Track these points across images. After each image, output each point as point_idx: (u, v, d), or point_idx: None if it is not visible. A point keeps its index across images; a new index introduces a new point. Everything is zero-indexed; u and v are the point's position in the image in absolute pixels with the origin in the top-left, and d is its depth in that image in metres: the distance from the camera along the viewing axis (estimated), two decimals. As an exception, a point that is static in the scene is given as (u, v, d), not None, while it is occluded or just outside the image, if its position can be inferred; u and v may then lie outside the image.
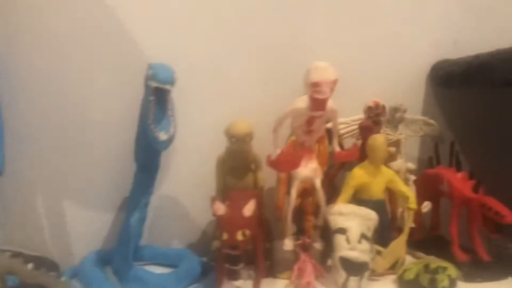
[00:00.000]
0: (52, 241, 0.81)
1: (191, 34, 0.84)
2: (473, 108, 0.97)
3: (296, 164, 0.65)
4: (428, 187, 0.80)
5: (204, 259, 0.74)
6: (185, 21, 0.84)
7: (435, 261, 0.68)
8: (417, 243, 0.80)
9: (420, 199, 0.83)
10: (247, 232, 0.53)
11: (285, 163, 0.65)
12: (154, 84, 0.57)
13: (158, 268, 0.75)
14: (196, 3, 0.84)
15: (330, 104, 0.67)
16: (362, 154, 0.75)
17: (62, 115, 0.80)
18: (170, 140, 0.59)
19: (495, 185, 0.79)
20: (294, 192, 0.70)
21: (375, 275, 0.69)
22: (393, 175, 0.75)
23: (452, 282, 0.64)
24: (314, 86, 0.62)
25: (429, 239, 0.81)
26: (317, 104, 0.63)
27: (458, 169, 0.77)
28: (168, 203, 0.85)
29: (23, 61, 0.79)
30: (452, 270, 0.66)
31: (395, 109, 0.89)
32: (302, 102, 0.66)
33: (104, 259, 0.73)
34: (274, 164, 0.65)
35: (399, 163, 0.87)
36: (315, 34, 0.92)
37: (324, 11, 0.93)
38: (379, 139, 0.72)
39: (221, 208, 0.54)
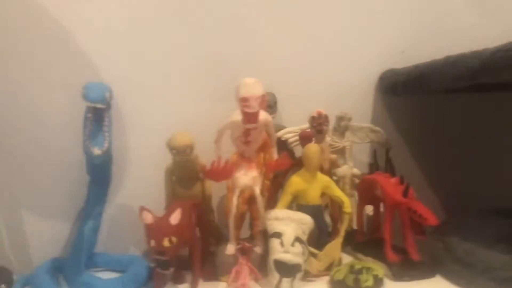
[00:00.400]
0: (11, 250, 0.85)
1: (140, 50, 0.88)
2: (416, 114, 1.02)
3: (227, 174, 0.70)
4: (367, 191, 0.85)
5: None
6: (134, 37, 0.88)
7: (361, 262, 0.73)
8: (359, 246, 0.85)
9: (362, 203, 0.88)
10: (174, 238, 0.57)
11: (217, 173, 0.69)
12: (86, 103, 0.61)
13: (112, 274, 0.79)
14: (144, 19, 0.89)
15: (263, 116, 0.72)
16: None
17: (19, 130, 0.85)
18: (104, 155, 0.64)
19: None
20: (235, 199, 0.74)
21: (310, 276, 0.74)
22: (329, 181, 0.79)
23: (378, 281, 0.69)
24: (243, 101, 0.66)
25: (369, 242, 0.85)
26: (248, 117, 0.67)
27: (392, 174, 0.82)
28: (123, 212, 0.89)
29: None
30: (379, 270, 0.70)
31: (340, 118, 0.94)
32: (238, 115, 0.70)
33: (58, 266, 0.77)
34: (208, 174, 0.69)
35: (344, 169, 0.93)
36: (263, 46, 0.97)
37: (272, 22, 0.98)
38: (312, 148, 0.76)
39: (148, 217, 0.59)
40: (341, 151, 0.94)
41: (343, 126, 0.94)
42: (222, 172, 0.69)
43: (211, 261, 0.77)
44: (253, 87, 0.66)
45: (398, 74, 0.98)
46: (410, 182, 0.78)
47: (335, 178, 0.91)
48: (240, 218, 0.81)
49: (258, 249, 0.75)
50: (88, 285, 0.70)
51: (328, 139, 0.93)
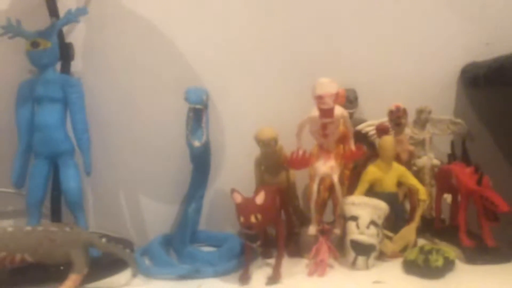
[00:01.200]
0: (132, 227, 1.03)
1: (233, 56, 1.01)
2: (498, 107, 1.03)
3: (305, 163, 0.79)
4: (444, 181, 0.89)
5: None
6: (228, 44, 1.01)
7: (432, 244, 0.78)
8: (437, 232, 0.90)
9: (440, 192, 0.92)
10: (259, 216, 0.68)
11: (296, 162, 0.79)
12: (188, 104, 0.75)
13: (211, 248, 0.93)
14: (237, 27, 1.02)
15: (339, 111, 0.80)
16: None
17: (137, 128, 1.02)
18: (203, 146, 0.76)
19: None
20: (315, 186, 0.83)
21: (385, 257, 0.81)
22: (404, 170, 0.85)
23: (449, 262, 0.74)
24: (319, 98, 0.75)
25: (448, 229, 0.89)
26: (324, 113, 0.76)
27: (468, 164, 0.85)
28: (221, 196, 1.02)
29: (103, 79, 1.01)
30: (451, 252, 0.75)
31: (420, 111, 0.99)
32: (316, 111, 0.79)
33: (168, 241, 0.92)
34: (288, 163, 0.80)
35: (424, 159, 0.97)
36: (345, 44, 1.05)
37: (354, 17, 1.05)
38: (387, 140, 0.83)
39: (238, 197, 0.70)
40: (421, 143, 0.99)
41: (423, 119, 0.99)
42: (301, 162, 0.79)
43: (295, 240, 0.87)
44: (327, 86, 0.75)
45: (479, 67, 1.00)
46: (492, 172, 0.82)
47: (415, 168, 0.96)
48: (321, 203, 0.90)
49: (337, 231, 0.84)
50: (191, 255, 0.84)
51: (408, 131, 0.98)
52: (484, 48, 1.05)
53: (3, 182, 0.92)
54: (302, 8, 1.03)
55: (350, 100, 1.01)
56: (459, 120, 1.01)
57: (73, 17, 0.88)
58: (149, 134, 1.02)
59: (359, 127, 0.99)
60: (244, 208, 0.69)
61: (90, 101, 0.95)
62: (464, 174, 0.81)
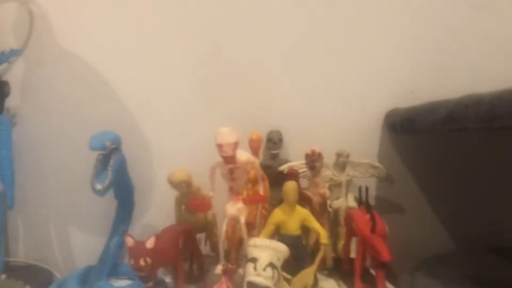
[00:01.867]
0: (60, 257, 1.07)
1: (166, 93, 1.07)
2: (414, 152, 1.08)
3: (203, 207, 0.84)
4: (350, 225, 0.93)
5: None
6: (161, 82, 1.07)
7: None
8: (344, 274, 0.93)
9: (348, 234, 0.96)
10: (148, 259, 0.72)
11: (196, 205, 0.83)
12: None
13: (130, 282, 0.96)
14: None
15: (245, 157, 0.85)
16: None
17: (70, 162, 1.06)
18: (106, 190, 0.81)
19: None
20: (224, 226, 0.88)
21: (283, 298, 0.84)
22: (307, 214, 0.89)
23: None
24: (219, 147, 0.80)
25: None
26: (226, 159, 0.81)
27: (368, 209, 0.89)
28: (148, 231, 1.06)
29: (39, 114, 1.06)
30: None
31: (338, 155, 1.03)
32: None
33: (88, 273, 0.96)
34: (189, 205, 0.84)
35: (340, 201, 1.01)
36: (273, 87, 1.10)
37: (282, 64, 1.10)
38: (289, 186, 0.87)
39: (129, 241, 0.74)
40: (339, 185, 1.03)
41: (341, 162, 1.03)
42: (199, 205, 0.83)
43: (205, 277, 0.91)
44: (227, 136, 0.79)
45: (397, 114, 1.04)
46: (415, 211, 0.91)
47: (330, 209, 1.00)
48: (237, 242, 0.94)
49: (241, 271, 0.87)
50: (100, 288, 0.88)
51: (329, 173, 1.03)
52: (409, 95, 1.10)
53: None
54: (238, 56, 1.09)
55: (274, 141, 1.06)
56: (377, 164, 1.05)
57: (5, 58, 0.94)
58: (81, 168, 1.06)
59: (282, 167, 1.03)
60: (135, 251, 0.72)
61: (25, 135, 1.00)
62: (361, 220, 0.85)
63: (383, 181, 1.06)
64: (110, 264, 0.96)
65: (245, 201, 0.86)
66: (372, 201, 1.10)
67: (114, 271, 0.97)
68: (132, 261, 0.73)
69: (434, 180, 1.09)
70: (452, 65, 1.11)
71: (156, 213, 1.06)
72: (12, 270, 0.90)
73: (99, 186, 0.78)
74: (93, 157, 1.04)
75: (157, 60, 1.07)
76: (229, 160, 0.81)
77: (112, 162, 0.81)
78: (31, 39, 1.05)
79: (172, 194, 0.99)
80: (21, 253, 1.04)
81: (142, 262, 0.72)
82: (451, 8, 1.10)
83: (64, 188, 1.06)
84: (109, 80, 1.07)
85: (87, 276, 0.95)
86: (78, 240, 1.07)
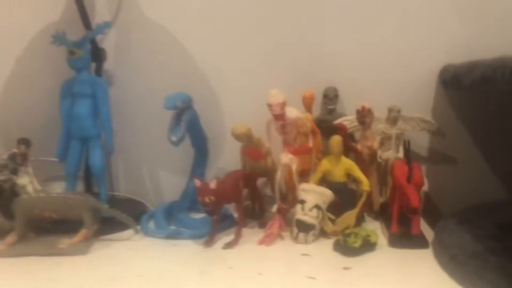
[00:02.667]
0: (152, 192, 1.29)
1: (236, 56, 1.21)
2: (467, 107, 1.12)
3: (258, 156, 0.98)
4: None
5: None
6: (232, 47, 1.21)
7: (356, 229, 0.94)
8: (386, 218, 1.04)
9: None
10: (212, 197, 0.90)
11: (250, 154, 0.99)
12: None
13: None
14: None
15: (294, 114, 0.98)
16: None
17: (158, 114, 1.25)
18: (179, 141, 0.98)
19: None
20: (279, 172, 1.03)
21: (327, 235, 0.98)
22: (351, 164, 1.00)
23: (369, 244, 0.90)
24: (269, 106, 0.93)
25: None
26: (276, 117, 0.95)
27: (409, 160, 0.97)
28: (221, 173, 1.24)
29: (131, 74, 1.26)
30: (373, 236, 0.91)
31: (390, 110, 1.12)
32: (276, 114, 0.98)
33: (172, 207, 1.17)
34: (245, 154, 1.00)
35: (389, 153, 1.11)
36: (331, 44, 1.19)
37: (337, 23, 1.18)
38: (334, 139, 0.99)
39: (197, 183, 0.92)
40: (390, 138, 1.12)
41: (392, 117, 1.11)
42: (253, 155, 0.98)
43: (265, 214, 1.07)
44: (275, 97, 0.93)
45: (447, 71, 1.09)
46: (465, 165, 1.04)
47: (380, 160, 1.11)
48: (293, 186, 1.09)
49: (293, 210, 1.03)
50: (180, 220, 1.08)
51: (381, 126, 1.12)
52: (465, 51, 1.13)
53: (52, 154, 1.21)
54: (294, 18, 1.19)
55: (330, 97, 1.17)
56: (428, 118, 1.12)
57: (100, 30, 1.13)
58: (167, 119, 1.26)
59: (337, 121, 1.14)
60: (201, 190, 0.90)
61: (121, 93, 1.21)
62: (399, 170, 0.95)
63: (434, 135, 1.13)
64: (189, 201, 1.16)
65: (292, 152, 0.99)
66: (424, 153, 1.18)
67: (193, 206, 1.17)
68: (199, 198, 0.91)
69: (485, 134, 1.13)
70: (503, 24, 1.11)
71: (227, 159, 1.22)
72: (114, 202, 1.13)
73: (173, 138, 0.97)
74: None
75: (225, 26, 1.21)
76: (279, 117, 0.95)
77: (184, 118, 0.98)
78: (121, 10, 1.23)
79: (232, 144, 1.16)
80: (122, 189, 1.28)
81: (207, 199, 0.90)
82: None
83: (154, 136, 1.26)
84: (186, 44, 1.23)
85: (171, 209, 1.16)
86: (165, 179, 1.29)
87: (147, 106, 1.26)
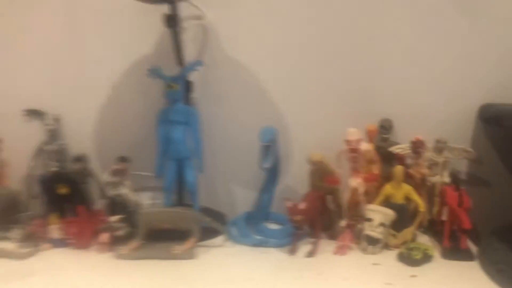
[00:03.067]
0: (227, 204, 1.50)
1: (298, 89, 1.42)
2: (501, 140, 1.32)
3: (336, 181, 1.20)
4: (443, 197, 1.24)
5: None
6: (297, 81, 1.42)
7: (417, 243, 1.16)
8: (436, 233, 1.26)
9: (441, 204, 1.27)
10: (300, 216, 1.11)
11: (333, 181, 1.20)
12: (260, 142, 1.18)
13: (275, 225, 1.37)
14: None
15: (365, 147, 1.19)
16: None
17: (235, 138, 1.47)
18: (270, 167, 1.19)
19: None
20: (346, 194, 1.24)
21: (390, 247, 1.20)
22: (410, 189, 1.22)
23: (428, 257, 1.11)
24: (347, 142, 1.15)
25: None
26: (351, 150, 1.16)
27: (457, 186, 1.19)
28: (287, 189, 1.46)
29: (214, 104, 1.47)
30: (431, 250, 1.13)
31: (438, 141, 1.32)
32: (348, 145, 1.19)
33: (249, 217, 1.38)
34: (327, 181, 1.21)
35: (436, 178, 1.32)
36: (388, 82, 1.39)
37: (394, 63, 1.38)
38: (398, 169, 1.20)
39: (289, 203, 1.13)
40: (437, 164, 1.33)
41: (439, 147, 1.32)
42: (335, 181, 1.20)
43: (334, 229, 1.29)
44: (353, 134, 1.14)
45: (488, 110, 1.30)
46: (499, 188, 1.20)
47: (429, 184, 1.32)
48: (354, 206, 1.29)
49: (359, 226, 1.24)
50: (262, 230, 1.29)
51: (429, 154, 1.33)
52: (502, 92, 1.34)
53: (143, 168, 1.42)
54: (359, 61, 1.39)
55: (386, 128, 1.37)
56: (469, 149, 1.33)
57: (193, 67, 1.33)
58: (242, 142, 1.47)
59: (391, 148, 1.35)
60: (292, 210, 1.12)
61: (203, 120, 1.42)
62: (451, 196, 1.16)
63: (473, 162, 1.34)
64: (264, 213, 1.37)
65: (365, 180, 1.21)
66: (464, 177, 1.39)
67: (267, 217, 1.38)
68: (290, 216, 1.12)
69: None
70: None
71: (294, 178, 1.44)
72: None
73: (266, 165, 1.18)
74: (247, 136, 1.45)
75: (297, 64, 1.41)
76: (354, 150, 1.16)
77: (273, 149, 1.19)
78: (205, 47, 1.43)
79: (305, 166, 1.37)
80: (204, 201, 1.49)
81: (297, 218, 1.12)
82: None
83: (231, 157, 1.48)
84: (261, 78, 1.44)
85: (248, 219, 1.38)
86: (239, 194, 1.50)
87: (224, 131, 1.46)
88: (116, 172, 1.34)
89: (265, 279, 1.05)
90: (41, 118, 1.47)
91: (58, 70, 1.48)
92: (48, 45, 1.47)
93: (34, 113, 1.47)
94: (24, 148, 1.46)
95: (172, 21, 1.25)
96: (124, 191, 1.32)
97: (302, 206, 1.12)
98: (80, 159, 1.40)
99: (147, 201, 1.41)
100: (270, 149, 1.19)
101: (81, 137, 1.48)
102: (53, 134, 1.45)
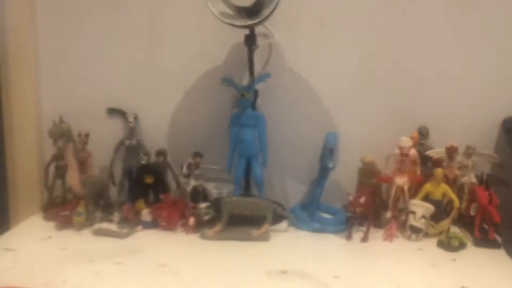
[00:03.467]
0: (282, 196, 1.73)
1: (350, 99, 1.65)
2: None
3: (388, 179, 1.44)
4: (473, 195, 1.48)
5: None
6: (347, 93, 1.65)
7: (455, 233, 1.40)
8: (467, 224, 1.50)
9: (470, 201, 1.51)
10: (360, 208, 1.35)
11: (384, 180, 1.44)
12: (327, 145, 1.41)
13: (327, 215, 1.61)
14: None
15: (413, 152, 1.43)
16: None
17: (294, 138, 1.70)
18: (333, 167, 1.43)
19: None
20: (393, 190, 1.48)
21: (429, 236, 1.44)
22: (447, 188, 1.46)
23: (463, 244, 1.36)
24: (400, 148, 1.38)
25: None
26: (403, 155, 1.40)
27: (487, 187, 1.43)
28: (336, 184, 1.69)
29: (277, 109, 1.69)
30: (465, 239, 1.37)
31: (468, 147, 1.56)
32: (397, 151, 1.43)
33: (303, 207, 1.62)
34: (379, 179, 1.45)
35: (465, 179, 1.56)
36: (427, 96, 1.62)
37: (432, 81, 1.62)
38: (438, 171, 1.44)
39: (350, 197, 1.37)
40: (466, 167, 1.57)
41: (469, 152, 1.56)
42: (387, 179, 1.44)
43: (380, 219, 1.53)
44: (406, 142, 1.38)
45: (510, 121, 1.54)
46: None
47: (459, 183, 1.56)
48: (396, 200, 1.53)
49: (403, 217, 1.48)
50: (318, 218, 1.53)
51: (459, 158, 1.57)
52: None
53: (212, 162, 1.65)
54: (399, 75, 1.63)
55: (423, 134, 1.61)
56: (494, 155, 1.57)
57: (263, 79, 1.56)
58: (301, 143, 1.69)
59: (427, 152, 1.59)
60: (353, 203, 1.36)
61: (270, 123, 1.64)
62: (481, 194, 1.40)
63: (496, 166, 1.59)
64: (316, 203, 1.61)
65: (411, 180, 1.45)
66: (488, 178, 1.63)
67: (318, 208, 1.62)
68: (352, 208, 1.36)
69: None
70: None
71: (342, 175, 1.67)
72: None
73: (331, 165, 1.41)
74: (302, 139, 1.68)
75: (348, 77, 1.65)
76: (405, 156, 1.40)
77: (335, 151, 1.43)
78: (270, 61, 1.65)
79: (353, 165, 1.60)
80: (268, 194, 1.68)
81: (357, 210, 1.36)
82: None
83: (289, 155, 1.70)
84: (317, 89, 1.67)
85: (303, 209, 1.61)
86: (292, 186, 1.73)
87: (284, 132, 1.69)
88: (191, 165, 1.57)
89: (334, 258, 1.29)
90: (122, 116, 1.69)
91: (139, 75, 1.70)
92: (131, 53, 1.69)
93: (116, 112, 1.70)
94: (106, 142, 1.68)
95: (251, 40, 1.47)
96: (201, 182, 1.55)
97: (362, 199, 1.36)
98: (161, 152, 1.62)
99: (213, 190, 1.64)
100: (334, 152, 1.43)
101: (155, 135, 1.71)
102: (132, 131, 1.68)
